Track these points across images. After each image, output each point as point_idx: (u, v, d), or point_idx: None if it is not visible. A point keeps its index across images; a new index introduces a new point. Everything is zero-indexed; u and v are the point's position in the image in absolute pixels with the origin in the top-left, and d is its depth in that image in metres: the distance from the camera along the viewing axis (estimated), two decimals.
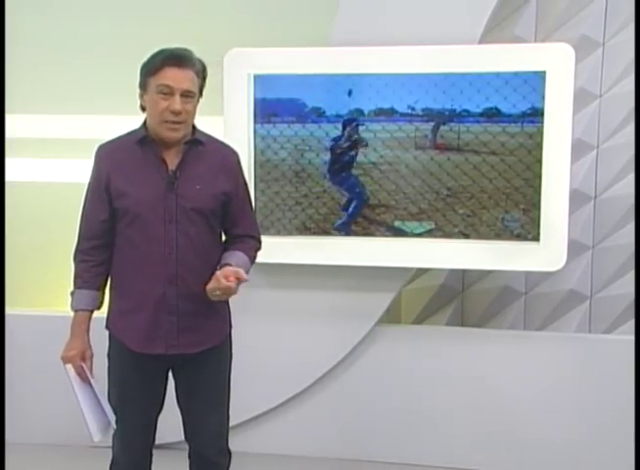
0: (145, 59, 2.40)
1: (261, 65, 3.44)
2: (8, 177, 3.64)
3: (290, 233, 3.48)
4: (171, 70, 2.32)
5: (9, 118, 3.66)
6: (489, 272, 3.84)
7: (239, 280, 2.32)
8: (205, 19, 3.83)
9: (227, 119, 3.43)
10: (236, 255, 2.45)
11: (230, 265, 2.37)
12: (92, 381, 2.40)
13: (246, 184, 2.57)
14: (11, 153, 3.74)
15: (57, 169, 4.08)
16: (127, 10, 3.95)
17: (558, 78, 3.25)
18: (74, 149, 3.95)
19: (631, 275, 3.67)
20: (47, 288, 4.04)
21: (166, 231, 2.38)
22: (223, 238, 2.56)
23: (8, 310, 3.33)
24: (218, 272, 2.33)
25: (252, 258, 2.54)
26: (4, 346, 3.29)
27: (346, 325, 3.64)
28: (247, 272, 2.43)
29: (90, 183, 2.47)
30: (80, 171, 3.97)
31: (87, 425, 2.35)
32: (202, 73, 2.41)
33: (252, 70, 3.44)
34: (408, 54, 3.35)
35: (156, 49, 2.39)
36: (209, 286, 2.33)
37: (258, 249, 2.60)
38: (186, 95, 2.34)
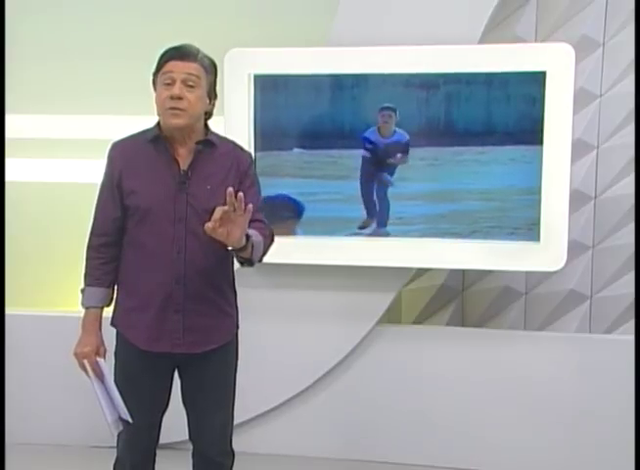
0: None
1: (261, 65, 3.45)
2: (8, 177, 3.64)
3: (290, 233, 3.48)
4: (174, 62, 2.35)
5: (9, 119, 3.66)
6: (489, 272, 3.84)
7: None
8: (206, 19, 3.84)
9: (227, 119, 3.44)
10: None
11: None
12: (106, 376, 2.41)
13: (257, 185, 2.53)
14: (11, 153, 3.74)
15: (57, 169, 4.08)
16: (128, 10, 3.95)
17: (558, 78, 3.25)
18: (74, 149, 3.96)
19: (631, 275, 3.67)
20: (47, 288, 4.04)
21: (175, 231, 2.38)
22: None
23: (8, 310, 3.33)
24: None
25: (266, 237, 2.42)
26: (4, 346, 3.29)
27: (346, 325, 3.64)
28: (264, 247, 2.38)
29: (103, 181, 2.47)
30: (81, 171, 4.00)
31: (107, 419, 2.37)
32: (210, 69, 2.41)
33: (252, 70, 3.45)
34: (408, 54, 3.35)
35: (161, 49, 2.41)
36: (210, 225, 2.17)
37: (271, 231, 2.48)
38: (188, 84, 2.34)
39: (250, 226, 2.37)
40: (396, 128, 3.40)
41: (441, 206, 3.43)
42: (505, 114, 3.33)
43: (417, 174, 3.42)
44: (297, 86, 3.45)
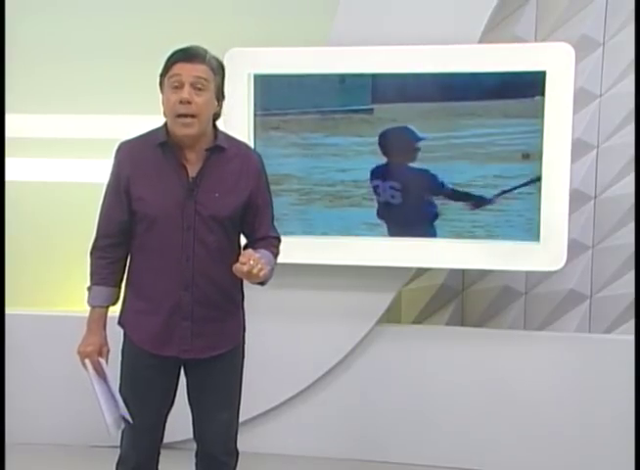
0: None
1: (261, 65, 3.45)
2: (8, 177, 3.64)
3: (290, 233, 3.48)
4: (181, 64, 2.31)
5: (9, 118, 3.66)
6: (489, 272, 3.84)
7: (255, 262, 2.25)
8: (206, 19, 3.83)
9: (227, 120, 3.43)
10: (258, 251, 2.38)
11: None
12: (108, 376, 2.41)
13: (267, 188, 2.53)
14: (11, 152, 3.74)
15: (57, 169, 4.08)
16: (128, 9, 3.95)
17: (558, 78, 3.26)
18: (74, 149, 3.96)
19: (631, 275, 3.67)
20: (47, 288, 4.04)
21: (184, 238, 2.37)
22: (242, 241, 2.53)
23: (8, 310, 3.33)
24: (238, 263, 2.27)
25: (275, 255, 2.51)
26: (4, 346, 3.29)
27: (347, 325, 3.64)
28: (271, 265, 2.41)
29: (110, 182, 2.45)
30: (81, 171, 4.00)
31: (105, 419, 2.36)
32: (218, 70, 2.38)
33: (252, 70, 3.45)
34: (408, 54, 3.35)
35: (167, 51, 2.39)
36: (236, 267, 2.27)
37: (279, 243, 2.56)
38: (197, 87, 2.31)
39: (262, 244, 2.44)
40: None
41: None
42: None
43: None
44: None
